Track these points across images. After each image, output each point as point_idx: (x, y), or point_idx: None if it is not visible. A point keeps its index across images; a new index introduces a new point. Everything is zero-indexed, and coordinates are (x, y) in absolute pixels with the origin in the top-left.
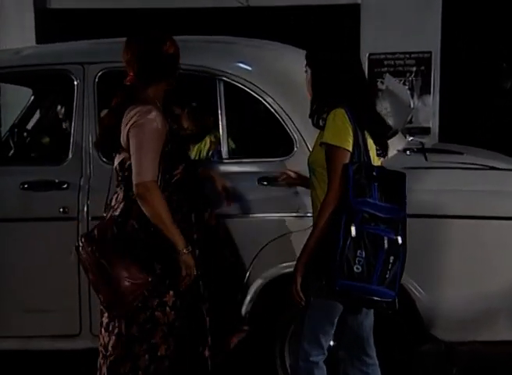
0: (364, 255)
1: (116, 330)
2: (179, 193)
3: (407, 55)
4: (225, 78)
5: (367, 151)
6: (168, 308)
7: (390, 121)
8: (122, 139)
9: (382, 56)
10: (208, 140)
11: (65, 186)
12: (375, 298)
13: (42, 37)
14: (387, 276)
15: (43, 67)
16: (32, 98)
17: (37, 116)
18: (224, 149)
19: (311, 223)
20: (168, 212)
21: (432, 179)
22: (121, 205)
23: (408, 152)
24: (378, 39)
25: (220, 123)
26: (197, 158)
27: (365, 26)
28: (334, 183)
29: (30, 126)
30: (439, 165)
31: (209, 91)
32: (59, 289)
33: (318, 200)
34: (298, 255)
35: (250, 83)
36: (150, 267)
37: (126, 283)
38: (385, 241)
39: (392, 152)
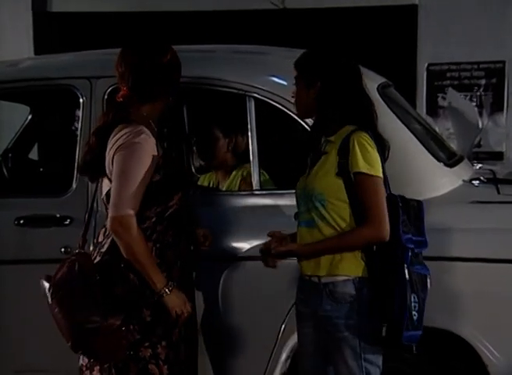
0: (417, 300)
1: None
2: (175, 226)
3: (475, 66)
4: (256, 95)
5: (387, 180)
6: (161, 362)
7: (454, 145)
8: (107, 165)
9: (444, 67)
10: (239, 175)
11: (67, 222)
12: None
13: (41, 43)
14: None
15: (43, 82)
16: (29, 117)
17: (35, 138)
18: (255, 179)
19: None
20: (145, 249)
21: (507, 216)
22: (108, 241)
23: (476, 183)
24: (439, 46)
25: (250, 147)
26: None
27: (424, 31)
28: (381, 216)
29: (26, 150)
30: None
31: (238, 110)
32: (59, 345)
33: (328, 233)
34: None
35: (286, 100)
36: (138, 313)
37: (86, 326)
38: (428, 281)
39: (456, 183)
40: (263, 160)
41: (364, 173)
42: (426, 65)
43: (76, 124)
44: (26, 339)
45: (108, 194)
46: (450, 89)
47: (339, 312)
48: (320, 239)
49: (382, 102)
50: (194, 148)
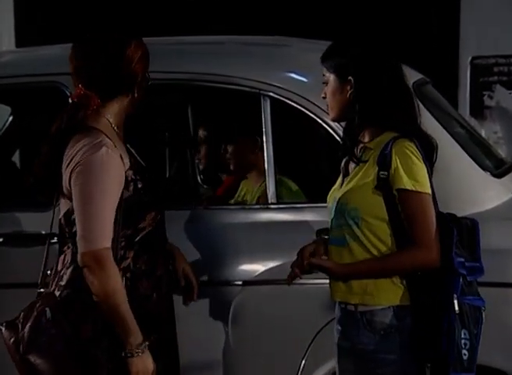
0: (468, 336)
1: None
2: (149, 251)
3: None
4: (272, 93)
5: (434, 194)
6: None
7: (503, 151)
8: (64, 183)
9: (491, 60)
10: (263, 186)
11: (54, 240)
12: None
13: (23, 32)
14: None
15: (25, 79)
16: (10, 119)
17: (16, 143)
18: (271, 191)
19: None
20: (122, 293)
21: None
22: (68, 272)
23: None
24: (484, 36)
25: (265, 153)
26: None
27: (467, 20)
28: (431, 238)
29: (7, 156)
30: None
31: (251, 111)
32: None
33: (360, 256)
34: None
35: (306, 100)
36: (104, 365)
37: None
38: (483, 314)
39: (505, 196)
40: (282, 169)
41: (409, 190)
42: (470, 58)
43: None
44: None
45: (66, 214)
46: (498, 86)
47: (379, 346)
48: (349, 260)
49: (418, 102)
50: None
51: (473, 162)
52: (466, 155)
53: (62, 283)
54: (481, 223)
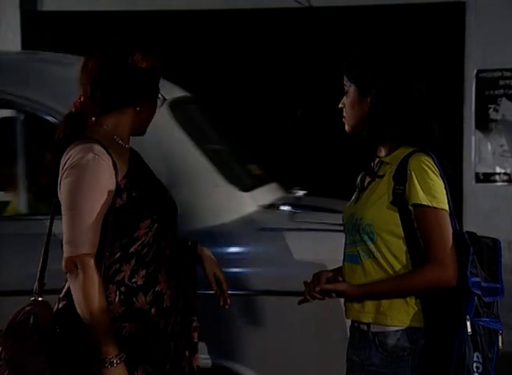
0: (481, 360)
1: None
2: (148, 266)
3: None
4: (24, 107)
5: (454, 211)
6: None
7: (508, 163)
8: (58, 190)
9: (497, 73)
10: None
11: None
12: None
13: (29, 44)
14: None
15: None
16: None
17: None
18: (22, 202)
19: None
20: (102, 301)
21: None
22: (66, 284)
23: (276, 208)
24: (490, 49)
25: (18, 166)
26: None
27: (472, 32)
28: (447, 256)
29: None
30: (307, 226)
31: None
32: None
33: (374, 273)
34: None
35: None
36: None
37: None
38: (500, 338)
39: (250, 208)
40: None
41: (425, 206)
42: (475, 71)
43: None
44: None
45: None
46: (504, 99)
47: (390, 369)
48: (362, 278)
49: (172, 121)
50: None
51: (220, 177)
52: (213, 169)
53: (60, 295)
54: (223, 233)
